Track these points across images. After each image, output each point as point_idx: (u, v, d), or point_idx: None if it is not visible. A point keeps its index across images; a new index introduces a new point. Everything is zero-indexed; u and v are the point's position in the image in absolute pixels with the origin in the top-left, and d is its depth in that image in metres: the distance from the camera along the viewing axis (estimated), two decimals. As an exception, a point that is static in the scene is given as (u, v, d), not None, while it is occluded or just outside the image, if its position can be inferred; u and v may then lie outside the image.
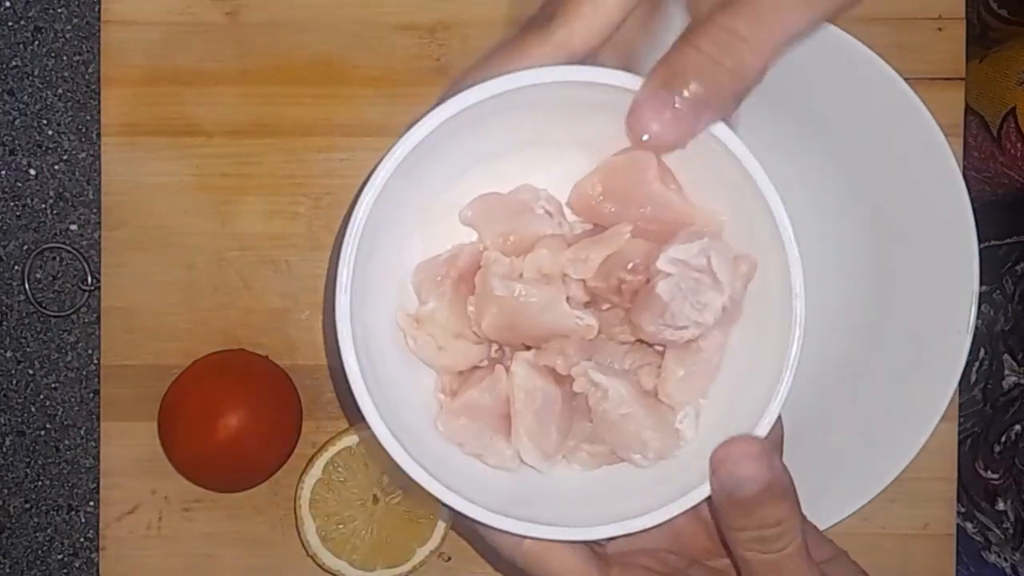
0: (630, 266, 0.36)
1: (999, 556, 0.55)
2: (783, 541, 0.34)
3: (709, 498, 0.34)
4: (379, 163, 0.34)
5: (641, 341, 0.39)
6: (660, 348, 0.39)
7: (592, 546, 0.37)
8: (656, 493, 0.35)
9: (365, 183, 0.34)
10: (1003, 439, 0.53)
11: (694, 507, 0.34)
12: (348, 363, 0.34)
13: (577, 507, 0.36)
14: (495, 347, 0.39)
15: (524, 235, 0.38)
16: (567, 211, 0.39)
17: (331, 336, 0.36)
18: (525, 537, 0.34)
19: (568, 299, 0.37)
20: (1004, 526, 0.55)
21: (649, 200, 0.37)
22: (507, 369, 0.37)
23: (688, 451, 0.37)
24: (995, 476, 0.54)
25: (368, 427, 0.34)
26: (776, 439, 0.38)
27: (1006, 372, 0.57)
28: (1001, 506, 0.55)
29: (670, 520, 0.34)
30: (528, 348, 0.38)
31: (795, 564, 0.34)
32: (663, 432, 0.36)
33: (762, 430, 0.34)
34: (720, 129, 0.34)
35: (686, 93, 0.30)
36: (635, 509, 0.34)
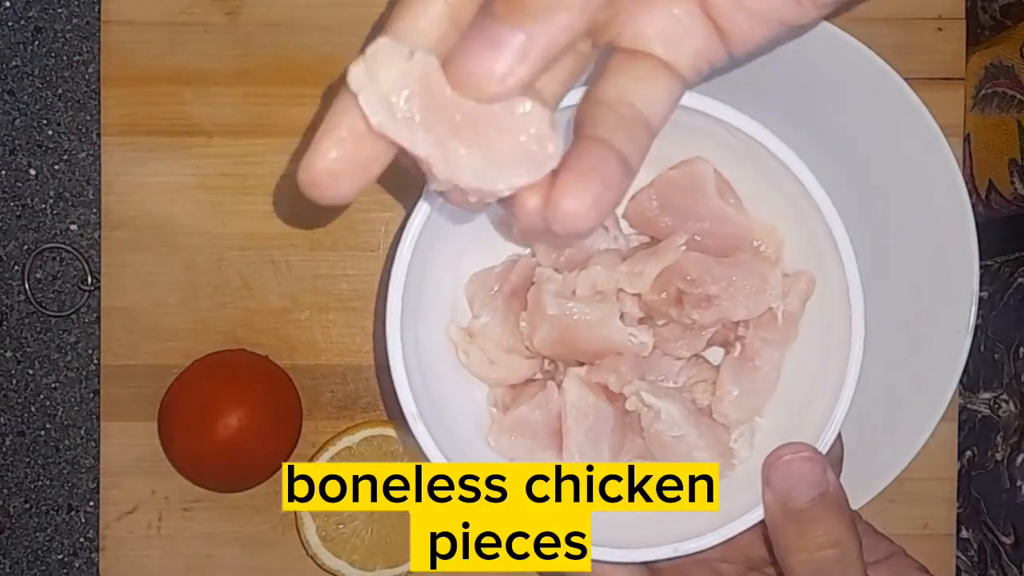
0: (689, 277, 0.35)
1: None
2: (841, 567, 0.32)
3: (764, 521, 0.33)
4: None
5: (697, 356, 0.38)
6: (715, 364, 0.38)
7: None
8: (710, 513, 0.34)
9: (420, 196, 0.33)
10: (958, 466, 0.53)
11: (747, 530, 0.33)
12: (398, 379, 0.33)
13: (630, 527, 0.35)
14: (548, 360, 0.38)
15: (578, 249, 0.37)
16: (623, 223, 0.38)
17: (380, 339, 0.36)
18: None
19: (623, 315, 0.36)
20: (969, 553, 0.55)
21: (708, 214, 0.36)
22: (559, 385, 0.37)
23: (743, 470, 0.36)
24: (956, 504, 0.54)
25: (412, 434, 0.34)
26: (835, 458, 0.37)
27: None
28: (964, 534, 0.56)
29: (725, 542, 0.33)
30: (581, 364, 0.37)
31: None
32: (716, 453, 0.36)
33: (822, 447, 0.33)
34: (778, 147, 0.34)
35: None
36: (690, 529, 0.34)
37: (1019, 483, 0.51)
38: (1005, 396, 0.54)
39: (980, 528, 0.54)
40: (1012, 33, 0.57)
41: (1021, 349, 0.52)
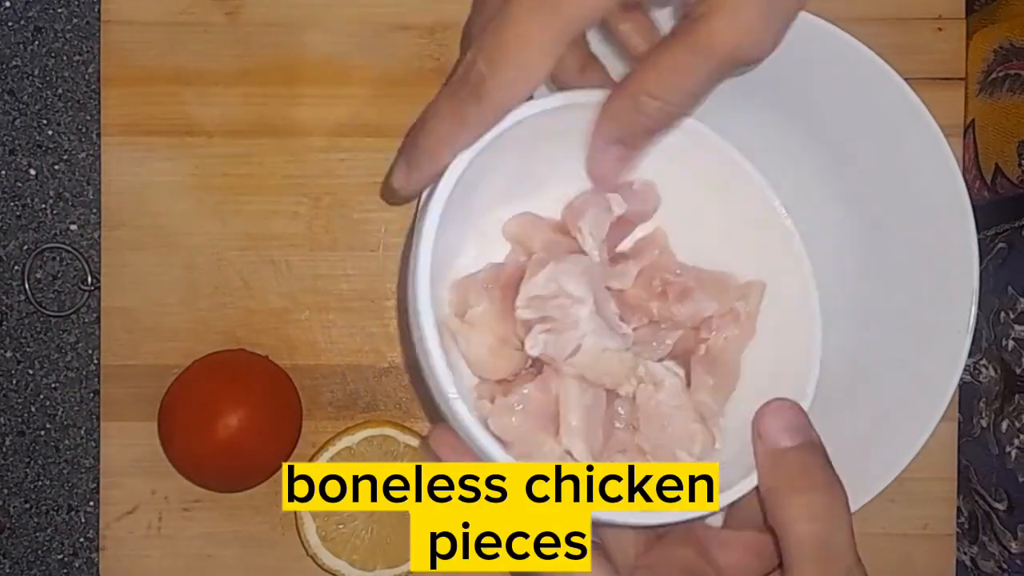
0: (677, 271, 0.38)
1: (959, 550, 0.56)
2: (832, 511, 0.33)
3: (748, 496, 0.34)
4: (443, 174, 0.34)
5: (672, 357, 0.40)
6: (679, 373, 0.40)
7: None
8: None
9: (430, 195, 0.33)
10: None
11: (736, 501, 0.34)
12: (437, 364, 0.34)
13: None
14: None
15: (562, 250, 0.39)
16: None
17: (408, 336, 0.36)
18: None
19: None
20: (960, 521, 0.55)
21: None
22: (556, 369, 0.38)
23: (727, 453, 0.37)
24: None
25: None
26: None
27: None
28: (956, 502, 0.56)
29: (707, 516, 0.34)
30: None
31: (843, 538, 0.33)
32: (706, 427, 0.38)
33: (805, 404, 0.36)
34: (708, 136, 0.36)
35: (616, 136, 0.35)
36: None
37: (1008, 448, 0.51)
38: (985, 361, 0.54)
39: (971, 495, 0.54)
40: (1016, 9, 0.56)
41: (1002, 314, 0.52)
